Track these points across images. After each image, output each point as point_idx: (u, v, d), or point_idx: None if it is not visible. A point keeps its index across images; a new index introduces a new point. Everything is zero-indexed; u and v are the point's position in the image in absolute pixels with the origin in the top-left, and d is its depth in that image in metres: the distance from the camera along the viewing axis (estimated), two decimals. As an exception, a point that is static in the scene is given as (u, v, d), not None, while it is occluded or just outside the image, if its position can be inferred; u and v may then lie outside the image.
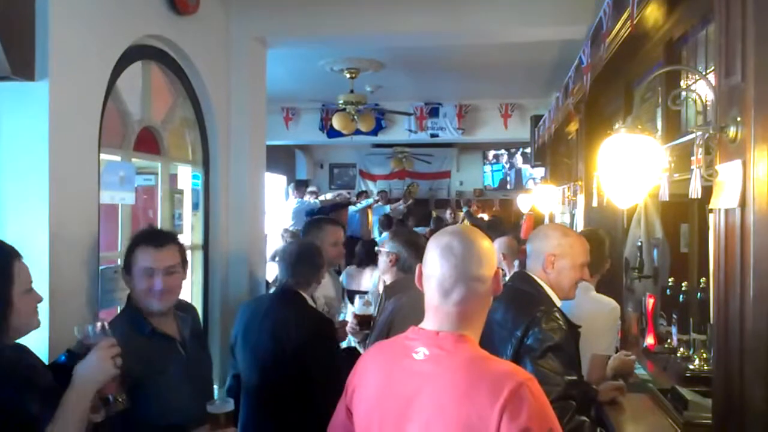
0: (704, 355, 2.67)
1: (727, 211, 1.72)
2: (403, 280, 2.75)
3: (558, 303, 2.16)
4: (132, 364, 1.90)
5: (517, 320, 2.07)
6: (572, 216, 5.28)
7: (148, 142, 3.29)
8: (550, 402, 1.35)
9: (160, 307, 2.10)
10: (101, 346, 1.72)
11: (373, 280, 4.21)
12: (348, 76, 6.55)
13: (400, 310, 2.52)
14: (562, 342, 1.99)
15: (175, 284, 2.15)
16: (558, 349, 1.98)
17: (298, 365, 2.45)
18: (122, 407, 1.77)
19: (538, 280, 2.19)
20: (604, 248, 2.92)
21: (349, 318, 2.97)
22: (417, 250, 2.78)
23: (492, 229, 6.49)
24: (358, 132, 7.86)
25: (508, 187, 11.83)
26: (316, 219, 3.75)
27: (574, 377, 1.99)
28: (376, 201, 10.12)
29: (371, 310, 2.72)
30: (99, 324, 1.79)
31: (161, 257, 2.10)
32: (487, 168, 12.13)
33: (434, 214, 10.55)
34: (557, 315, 2.06)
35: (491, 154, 11.97)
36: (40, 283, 2.20)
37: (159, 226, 3.35)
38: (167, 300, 2.12)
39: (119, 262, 2.89)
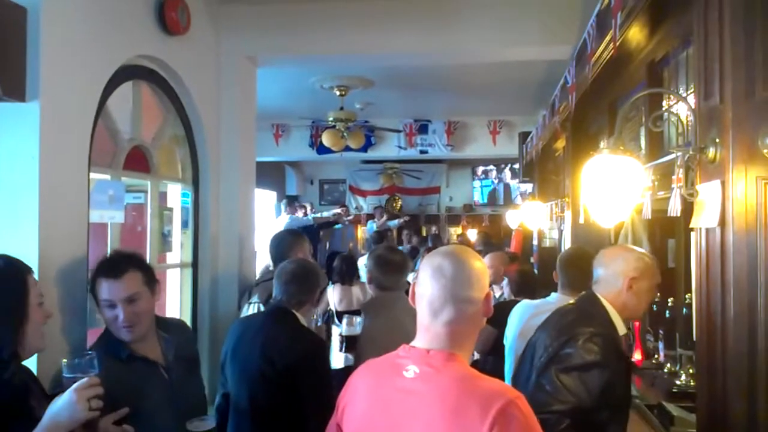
0: (690, 370, 2.69)
1: (707, 230, 1.77)
2: (380, 299, 2.75)
3: (621, 331, 2.08)
4: (110, 389, 1.83)
5: (561, 332, 2.03)
6: (560, 232, 5.32)
7: (138, 161, 3.30)
8: (546, 412, 1.35)
9: (130, 337, 2.04)
10: (77, 387, 1.61)
11: (366, 296, 4.21)
12: (338, 93, 6.60)
13: (368, 331, 2.52)
14: (593, 365, 1.92)
15: (140, 311, 2.07)
16: (584, 369, 1.92)
17: (288, 384, 2.44)
18: None
19: (607, 305, 2.10)
20: (591, 264, 2.96)
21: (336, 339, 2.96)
22: (387, 266, 2.77)
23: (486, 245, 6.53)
24: (348, 149, 7.89)
25: (499, 202, 11.88)
26: (284, 234, 3.71)
27: (589, 405, 1.89)
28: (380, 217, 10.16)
29: (357, 330, 2.71)
30: (87, 357, 1.69)
31: (119, 288, 2.04)
32: (477, 183, 12.20)
33: (433, 230, 10.60)
34: (599, 341, 1.96)
35: (480, 169, 12.05)
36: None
37: (148, 244, 3.37)
38: (135, 329, 2.06)
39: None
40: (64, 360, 1.70)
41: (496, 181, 12.00)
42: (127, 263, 2.12)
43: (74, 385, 1.61)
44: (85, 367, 1.67)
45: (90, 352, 1.78)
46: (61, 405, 1.60)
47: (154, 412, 1.97)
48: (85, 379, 1.64)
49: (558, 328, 2.07)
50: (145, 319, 2.11)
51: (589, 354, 1.92)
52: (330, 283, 4.87)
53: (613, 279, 2.10)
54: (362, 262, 5.43)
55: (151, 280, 2.17)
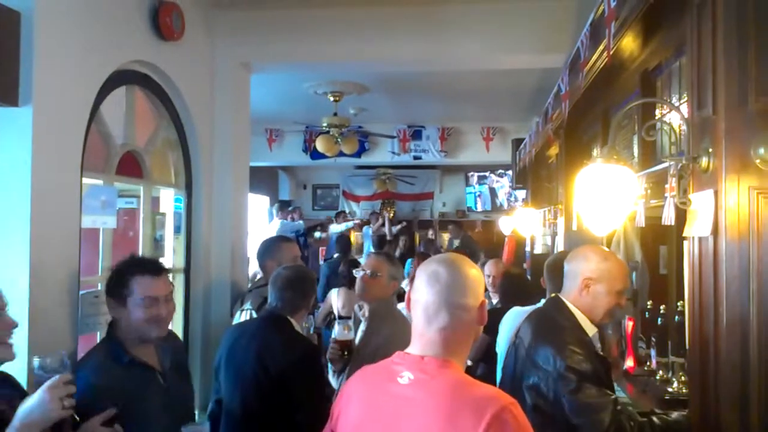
0: (683, 377, 2.69)
1: (700, 239, 1.77)
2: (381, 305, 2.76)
3: (590, 332, 2.07)
4: (110, 394, 1.87)
5: (543, 354, 2.00)
6: (553, 239, 5.34)
7: (130, 166, 3.29)
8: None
9: (159, 334, 2.09)
10: (49, 385, 1.57)
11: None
12: (332, 99, 6.61)
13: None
14: (591, 371, 1.93)
15: (172, 311, 2.17)
16: (588, 377, 1.92)
17: (282, 390, 2.43)
18: None
19: (571, 308, 2.10)
20: None
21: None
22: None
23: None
24: (341, 154, 7.90)
25: (497, 206, 11.89)
26: (271, 239, 3.71)
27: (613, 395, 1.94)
28: (357, 224, 10.22)
29: (351, 335, 2.70)
30: (57, 356, 1.66)
31: (161, 285, 2.09)
32: (470, 189, 12.23)
33: (430, 233, 10.60)
34: (576, 348, 1.97)
35: (474, 176, 12.08)
36: (20, 307, 2.20)
37: (141, 249, 3.35)
38: (165, 327, 2.13)
39: (99, 286, 2.87)
40: (36, 358, 1.66)
41: (489, 189, 12.03)
42: (162, 265, 2.20)
43: (46, 384, 1.58)
44: (56, 366, 1.64)
45: (61, 351, 1.72)
46: (32, 404, 1.56)
47: (150, 417, 1.99)
48: (56, 378, 1.60)
49: (539, 344, 2.06)
50: (171, 320, 2.22)
51: (582, 363, 1.93)
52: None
53: (572, 277, 2.13)
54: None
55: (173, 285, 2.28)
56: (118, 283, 2.08)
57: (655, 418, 1.99)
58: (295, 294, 2.60)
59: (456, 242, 9.62)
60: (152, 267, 2.12)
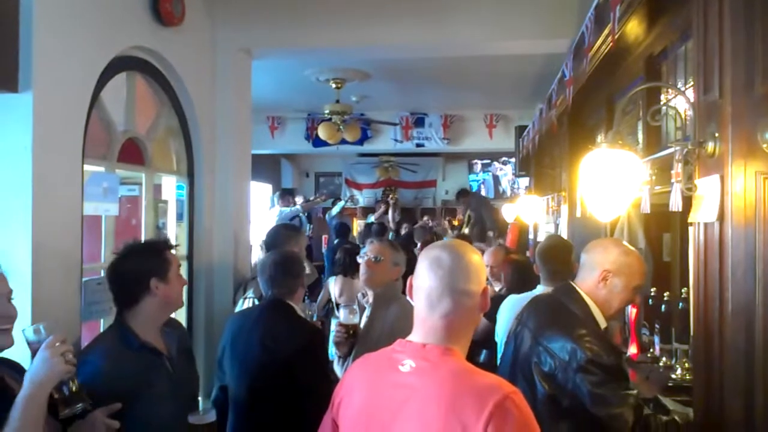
0: (686, 364, 2.70)
1: (706, 224, 1.76)
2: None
3: (603, 324, 2.03)
4: (120, 378, 1.90)
5: (559, 342, 1.96)
6: (556, 226, 5.33)
7: (132, 153, 3.27)
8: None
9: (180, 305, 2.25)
10: (45, 346, 1.65)
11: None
12: (334, 86, 6.57)
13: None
14: (613, 365, 1.90)
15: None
16: (611, 371, 1.89)
17: (288, 375, 2.44)
18: (82, 397, 1.70)
19: (586, 298, 2.04)
20: (572, 254, 3.00)
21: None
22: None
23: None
24: (344, 142, 7.87)
25: (500, 194, 11.85)
26: (290, 226, 3.72)
27: (633, 391, 1.92)
28: (347, 200, 10.20)
29: (356, 320, 2.70)
30: (34, 327, 1.72)
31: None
32: (473, 177, 12.19)
33: (425, 219, 10.49)
34: (594, 340, 1.92)
35: (477, 163, 12.04)
36: (22, 295, 2.19)
37: (143, 237, 3.35)
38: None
39: (102, 273, 2.87)
40: (24, 329, 1.72)
41: (492, 176, 11.99)
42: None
43: (44, 344, 1.65)
44: (37, 335, 1.70)
45: (38, 324, 1.77)
46: (36, 366, 1.63)
47: (158, 401, 2.01)
48: (51, 337, 1.67)
49: (554, 333, 2.00)
50: None
51: (602, 356, 1.88)
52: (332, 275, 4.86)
53: (590, 268, 2.07)
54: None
55: None
56: (153, 261, 2.11)
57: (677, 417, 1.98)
58: (286, 276, 2.64)
59: (469, 214, 9.14)
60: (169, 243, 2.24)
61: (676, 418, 2.00)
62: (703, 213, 1.73)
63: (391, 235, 8.85)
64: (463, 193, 9.21)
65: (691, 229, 1.90)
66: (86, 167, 2.75)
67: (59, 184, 2.52)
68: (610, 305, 2.05)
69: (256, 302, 3.13)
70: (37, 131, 2.38)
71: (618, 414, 1.84)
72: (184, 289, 3.71)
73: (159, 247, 2.17)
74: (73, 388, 1.70)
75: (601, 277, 2.03)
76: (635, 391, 1.94)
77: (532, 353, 2.03)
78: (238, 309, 3.16)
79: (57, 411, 1.69)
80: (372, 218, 10.23)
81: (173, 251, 2.20)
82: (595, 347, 1.89)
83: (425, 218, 10.60)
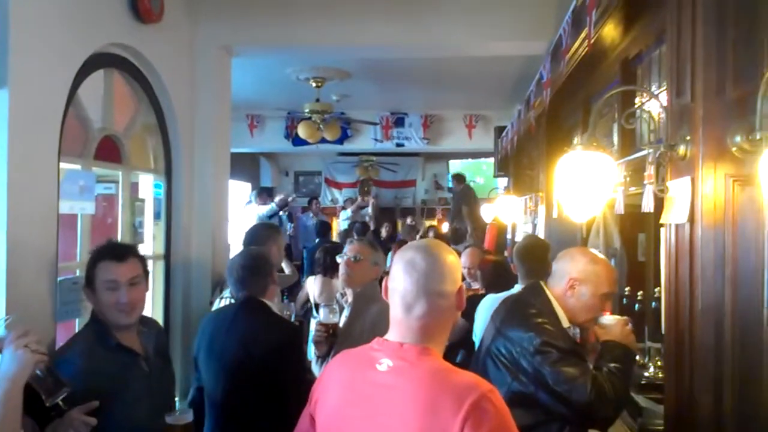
0: (659, 362, 2.75)
1: (677, 226, 1.80)
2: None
3: (565, 323, 2.08)
4: (96, 377, 1.89)
5: (518, 331, 2.03)
6: (534, 226, 5.38)
7: (109, 151, 3.24)
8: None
9: (128, 321, 2.09)
10: (11, 338, 1.63)
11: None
12: (314, 85, 6.56)
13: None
14: (567, 347, 1.97)
15: (139, 296, 2.15)
16: (566, 351, 1.96)
17: (267, 373, 2.43)
18: (63, 383, 1.70)
19: (551, 296, 2.12)
20: (548, 254, 3.06)
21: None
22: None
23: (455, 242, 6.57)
24: (323, 141, 7.86)
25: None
26: (269, 225, 3.71)
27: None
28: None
29: (336, 319, 2.71)
30: (9, 318, 1.72)
31: (123, 270, 2.09)
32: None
33: (408, 220, 10.53)
34: (549, 327, 2.01)
35: (457, 163, 12.09)
36: (-4, 295, 2.16)
37: (120, 236, 3.32)
38: (133, 312, 2.11)
39: (78, 272, 2.84)
40: None
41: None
42: (128, 250, 2.19)
43: (7, 339, 1.64)
44: (7, 329, 1.69)
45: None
46: (5, 363, 1.61)
47: (133, 401, 2.00)
48: (11, 334, 1.65)
49: (507, 320, 2.10)
50: (141, 306, 2.18)
51: (557, 340, 1.96)
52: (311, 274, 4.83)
53: (559, 276, 2.13)
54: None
55: (146, 271, 2.23)
56: (88, 269, 2.12)
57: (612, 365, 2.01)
58: (255, 276, 2.62)
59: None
60: (115, 252, 2.13)
61: (617, 365, 2.00)
62: (675, 214, 1.77)
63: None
64: (458, 178, 9.11)
65: (662, 230, 1.94)
66: (62, 165, 2.71)
67: (35, 182, 2.49)
68: (580, 314, 2.10)
69: (233, 302, 3.11)
70: (13, 128, 2.34)
71: (579, 386, 1.88)
72: (160, 288, 3.72)
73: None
74: (50, 376, 1.69)
75: (568, 285, 2.09)
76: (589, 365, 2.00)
77: (492, 344, 2.10)
78: (214, 309, 3.15)
79: (34, 409, 1.67)
80: (349, 212, 10.22)
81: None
82: (551, 330, 1.98)
83: (409, 219, 10.69)
